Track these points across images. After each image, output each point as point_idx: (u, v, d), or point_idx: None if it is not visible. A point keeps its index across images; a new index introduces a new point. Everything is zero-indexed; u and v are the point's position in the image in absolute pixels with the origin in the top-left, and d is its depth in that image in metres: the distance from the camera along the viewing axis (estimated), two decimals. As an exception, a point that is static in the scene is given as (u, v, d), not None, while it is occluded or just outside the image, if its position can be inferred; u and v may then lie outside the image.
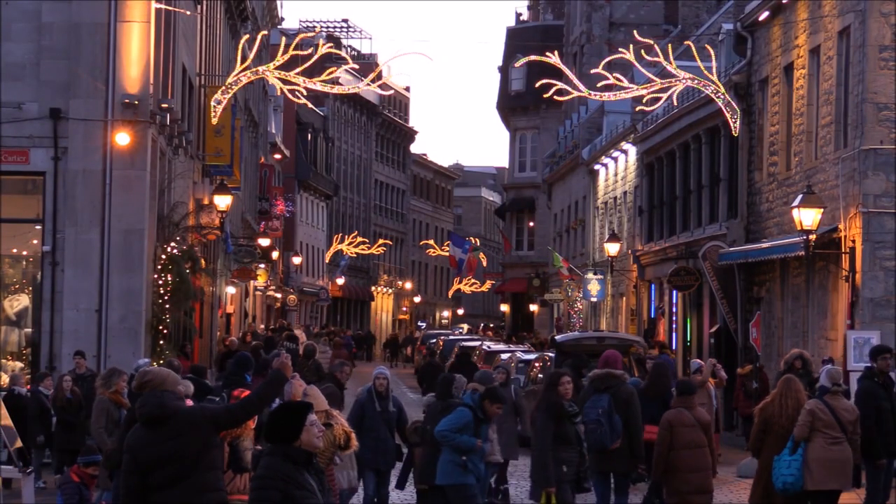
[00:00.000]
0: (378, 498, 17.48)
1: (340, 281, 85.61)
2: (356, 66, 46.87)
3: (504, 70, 77.16)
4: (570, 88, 32.15)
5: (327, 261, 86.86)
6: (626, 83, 32.47)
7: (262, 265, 50.81)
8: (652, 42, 32.57)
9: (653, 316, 44.03)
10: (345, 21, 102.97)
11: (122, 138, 24.50)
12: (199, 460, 10.29)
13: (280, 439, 8.78)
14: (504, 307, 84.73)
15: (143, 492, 10.48)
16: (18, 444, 16.62)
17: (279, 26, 66.63)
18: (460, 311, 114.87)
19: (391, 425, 17.43)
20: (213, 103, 31.17)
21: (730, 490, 22.18)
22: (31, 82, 24.86)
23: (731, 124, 31.22)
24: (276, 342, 35.29)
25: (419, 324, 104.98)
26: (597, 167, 54.22)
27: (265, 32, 47.91)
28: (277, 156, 67.75)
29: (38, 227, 25.03)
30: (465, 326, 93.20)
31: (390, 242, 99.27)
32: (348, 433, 14.19)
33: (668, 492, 15.47)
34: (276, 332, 46.81)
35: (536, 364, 30.01)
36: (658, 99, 31.93)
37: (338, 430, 14.09)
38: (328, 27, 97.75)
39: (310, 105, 70.31)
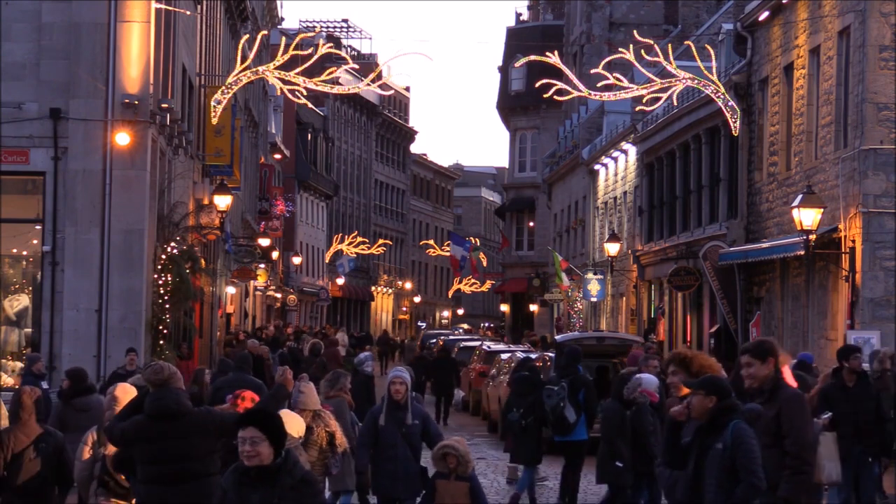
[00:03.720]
0: None
1: (341, 281, 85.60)
2: (356, 66, 46.89)
3: (504, 70, 77.13)
4: (570, 88, 32.17)
5: (327, 261, 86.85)
6: (626, 83, 32.49)
7: (262, 265, 50.83)
8: (652, 42, 32.59)
9: (653, 316, 44.03)
10: (345, 21, 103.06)
11: (122, 138, 24.49)
12: (204, 464, 10.34)
13: None
14: (504, 307, 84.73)
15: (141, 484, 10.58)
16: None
17: (279, 26, 66.63)
18: (460, 311, 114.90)
19: (413, 442, 14.11)
20: (213, 103, 31.17)
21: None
22: (31, 82, 24.85)
23: (731, 124, 31.24)
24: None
25: (419, 324, 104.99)
26: (597, 167, 54.22)
27: (265, 32, 47.91)
28: (277, 156, 67.75)
29: (38, 227, 25.02)
30: (465, 326, 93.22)
31: (390, 242, 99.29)
32: (332, 432, 13.75)
33: None
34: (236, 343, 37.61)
35: (536, 364, 29.97)
36: (658, 99, 31.95)
37: (319, 431, 13.72)
38: (328, 27, 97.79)
39: (310, 105, 70.33)
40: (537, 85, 33.60)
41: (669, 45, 34.13)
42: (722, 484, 9.12)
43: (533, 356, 32.71)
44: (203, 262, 30.62)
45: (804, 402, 10.15)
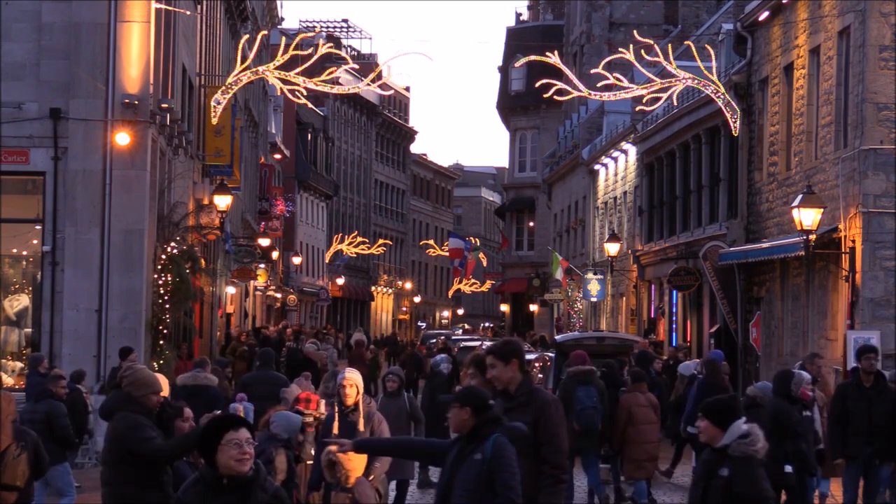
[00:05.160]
0: None
1: (341, 281, 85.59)
2: (356, 66, 46.88)
3: (504, 70, 77.16)
4: (570, 88, 32.18)
5: (327, 261, 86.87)
6: (626, 83, 32.49)
7: (262, 265, 50.82)
8: (652, 42, 32.60)
9: (653, 316, 44.03)
10: (345, 21, 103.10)
11: (122, 138, 24.48)
12: (116, 472, 10.38)
13: (202, 457, 7.69)
14: (504, 307, 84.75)
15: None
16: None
17: (279, 26, 66.63)
18: (460, 311, 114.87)
19: None
20: (213, 103, 31.18)
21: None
22: (31, 82, 24.84)
23: (731, 124, 31.24)
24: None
25: (419, 324, 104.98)
26: (597, 167, 54.22)
27: (265, 32, 47.90)
28: (277, 156, 67.75)
29: (38, 227, 25.01)
30: (466, 326, 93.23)
31: (390, 242, 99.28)
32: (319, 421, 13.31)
33: (626, 459, 18.88)
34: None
35: (536, 364, 29.96)
36: (658, 99, 31.95)
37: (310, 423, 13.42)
38: (328, 27, 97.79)
39: (310, 105, 70.34)
40: (537, 85, 33.61)
41: (669, 45, 34.13)
42: (472, 496, 8.71)
43: (532, 356, 32.74)
44: (203, 262, 30.62)
45: (561, 407, 9.74)
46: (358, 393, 12.82)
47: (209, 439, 7.46)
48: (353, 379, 12.89)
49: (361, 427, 12.72)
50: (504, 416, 9.19)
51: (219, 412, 12.79)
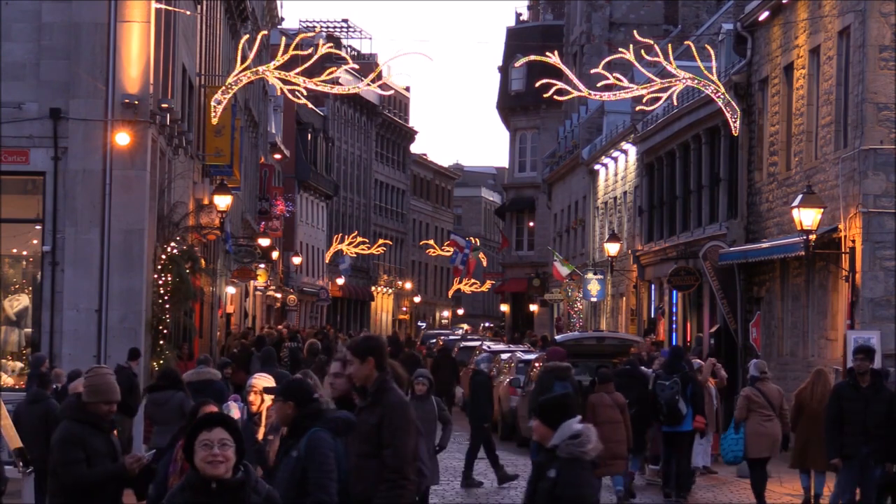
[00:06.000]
0: None
1: (341, 281, 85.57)
2: (356, 66, 46.89)
3: (504, 70, 77.14)
4: (570, 88, 32.18)
5: (327, 261, 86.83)
6: (626, 83, 32.49)
7: (262, 265, 50.80)
8: (652, 42, 32.61)
9: (653, 316, 44.02)
10: (345, 21, 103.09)
11: (122, 138, 24.47)
12: (49, 482, 10.39)
13: (187, 460, 7.07)
14: (504, 307, 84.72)
15: None
16: (18, 443, 16.62)
17: (279, 26, 66.63)
18: (460, 311, 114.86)
19: (263, 460, 11.00)
20: (213, 103, 31.18)
21: (730, 490, 22.22)
22: (31, 82, 24.83)
23: (731, 124, 31.24)
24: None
25: (419, 324, 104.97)
26: (597, 167, 54.22)
27: (265, 32, 47.90)
28: (277, 156, 67.74)
29: (38, 227, 25.00)
30: (466, 326, 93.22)
31: (390, 242, 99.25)
32: None
33: None
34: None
35: (536, 364, 29.99)
36: (658, 99, 31.96)
37: None
38: (328, 27, 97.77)
39: (310, 105, 70.30)
40: (537, 85, 33.61)
41: (669, 45, 34.13)
42: (288, 494, 8.25)
43: (532, 356, 32.77)
44: (203, 262, 30.61)
45: (408, 410, 9.41)
46: (262, 402, 11.82)
47: (189, 441, 6.94)
48: (259, 385, 12.00)
49: (260, 436, 11.56)
50: (358, 415, 8.92)
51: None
